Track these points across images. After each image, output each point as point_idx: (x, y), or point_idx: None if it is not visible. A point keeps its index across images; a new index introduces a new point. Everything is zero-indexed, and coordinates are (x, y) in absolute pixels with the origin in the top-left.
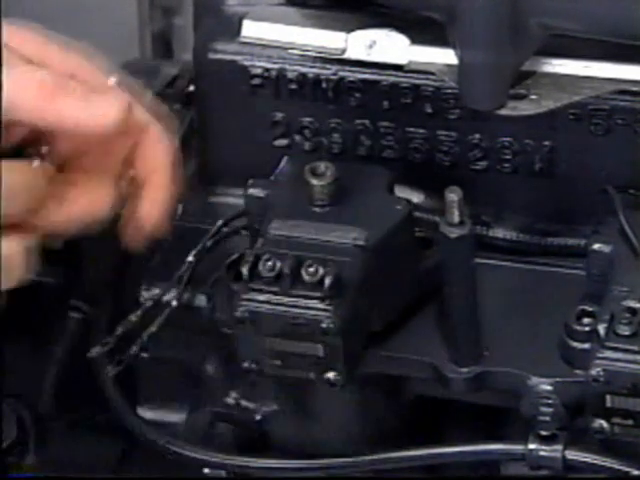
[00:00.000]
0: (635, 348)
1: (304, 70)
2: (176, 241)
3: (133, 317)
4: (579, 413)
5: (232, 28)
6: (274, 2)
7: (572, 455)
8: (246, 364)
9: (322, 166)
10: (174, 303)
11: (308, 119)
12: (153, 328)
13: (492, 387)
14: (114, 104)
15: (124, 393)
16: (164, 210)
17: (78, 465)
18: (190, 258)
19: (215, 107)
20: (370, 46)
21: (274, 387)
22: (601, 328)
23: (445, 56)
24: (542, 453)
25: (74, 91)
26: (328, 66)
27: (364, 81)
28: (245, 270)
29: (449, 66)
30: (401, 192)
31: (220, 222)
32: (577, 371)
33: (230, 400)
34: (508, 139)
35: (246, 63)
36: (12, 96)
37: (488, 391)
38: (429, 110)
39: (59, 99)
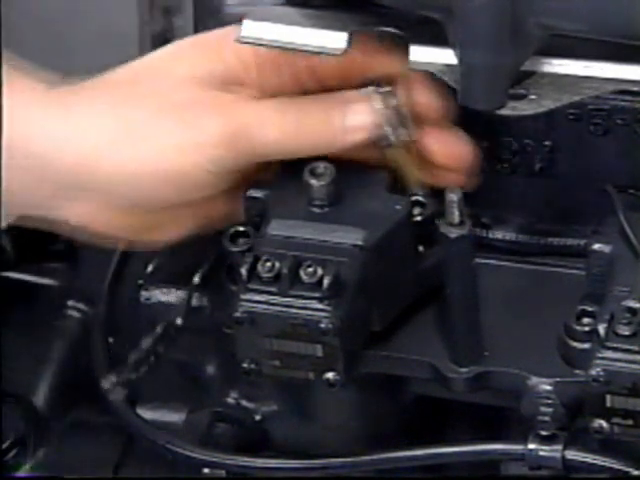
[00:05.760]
0: (635, 348)
1: None
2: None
3: (144, 344)
4: (579, 413)
5: None
6: (274, 2)
7: (572, 455)
8: (245, 364)
9: (321, 166)
10: (179, 321)
11: None
12: (160, 349)
13: (492, 387)
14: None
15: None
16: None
17: (78, 465)
18: (196, 279)
19: None
20: None
21: (273, 387)
22: (601, 328)
23: (445, 56)
24: (542, 453)
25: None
26: None
27: None
28: (244, 271)
29: (449, 66)
30: None
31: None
32: (577, 371)
33: (230, 400)
34: (508, 139)
35: None
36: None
37: (488, 391)
38: None
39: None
